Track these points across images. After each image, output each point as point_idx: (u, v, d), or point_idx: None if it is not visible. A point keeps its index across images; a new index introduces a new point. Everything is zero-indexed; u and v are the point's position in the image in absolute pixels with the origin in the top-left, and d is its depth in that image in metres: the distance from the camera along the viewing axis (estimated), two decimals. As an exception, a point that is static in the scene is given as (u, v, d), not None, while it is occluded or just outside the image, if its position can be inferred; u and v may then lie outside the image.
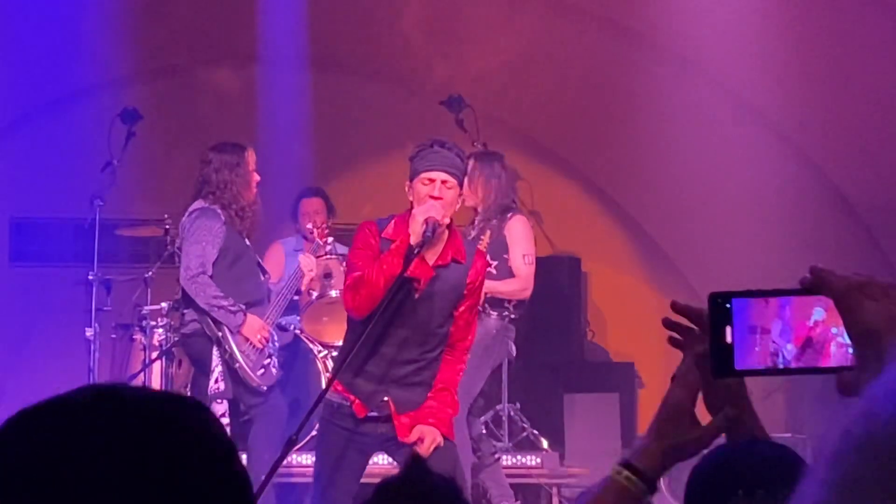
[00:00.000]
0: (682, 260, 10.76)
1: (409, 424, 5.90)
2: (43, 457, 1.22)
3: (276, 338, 8.04)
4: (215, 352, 7.74)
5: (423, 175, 5.81)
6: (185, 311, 7.84)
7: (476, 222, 8.39)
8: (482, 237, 8.23)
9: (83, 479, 1.21)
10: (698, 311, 2.14)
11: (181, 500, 1.23)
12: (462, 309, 5.94)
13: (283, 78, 10.32)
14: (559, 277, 10.25)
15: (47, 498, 1.21)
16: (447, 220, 5.83)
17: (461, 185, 5.94)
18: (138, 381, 8.96)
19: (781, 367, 2.09)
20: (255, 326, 7.75)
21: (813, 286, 2.03)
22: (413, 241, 5.72)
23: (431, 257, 5.83)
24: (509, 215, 8.42)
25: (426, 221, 5.72)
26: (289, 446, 5.84)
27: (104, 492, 1.21)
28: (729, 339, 2.05)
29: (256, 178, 7.93)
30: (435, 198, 5.77)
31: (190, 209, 7.80)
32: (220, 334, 7.68)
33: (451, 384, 5.99)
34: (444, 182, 5.81)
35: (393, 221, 5.91)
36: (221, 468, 1.29)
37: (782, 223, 9.73)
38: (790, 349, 2.09)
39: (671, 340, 2.09)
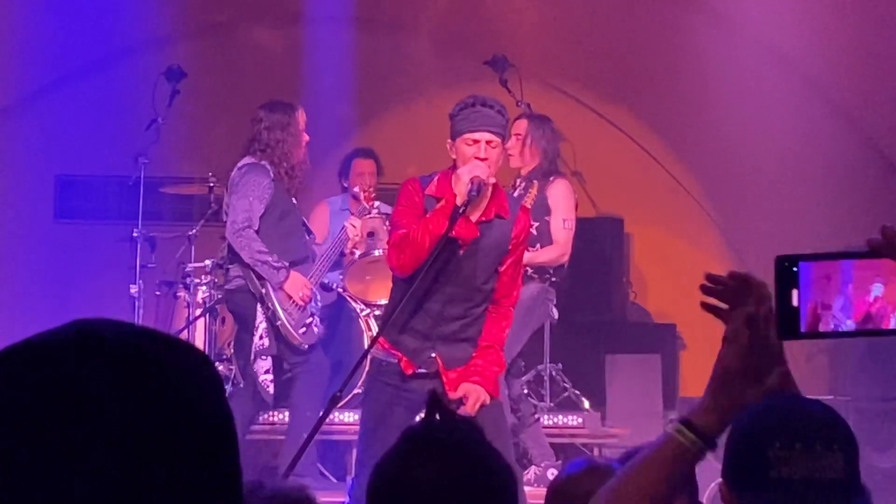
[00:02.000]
0: (726, 221, 10.72)
1: (457, 381, 5.91)
2: (16, 396, 1.23)
3: (318, 297, 8.07)
4: (259, 308, 7.78)
5: (467, 135, 5.78)
6: (230, 266, 7.88)
7: (517, 183, 8.38)
8: (529, 192, 8.24)
9: (55, 420, 1.21)
10: (741, 276, 2.14)
11: (150, 443, 1.23)
12: (507, 265, 5.93)
13: (328, 36, 10.31)
14: (602, 238, 10.24)
15: (21, 435, 1.22)
16: (492, 179, 5.82)
17: (504, 142, 5.93)
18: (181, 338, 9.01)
19: (843, 330, 2.09)
20: (298, 284, 7.78)
21: (882, 248, 2.02)
22: (458, 200, 5.71)
23: (475, 214, 5.82)
24: (552, 178, 8.42)
25: (471, 181, 5.70)
26: (333, 403, 5.86)
27: (75, 432, 1.21)
28: (795, 302, 2.05)
29: (306, 137, 7.96)
30: (480, 159, 5.76)
31: (239, 164, 7.84)
32: (263, 291, 7.72)
33: (497, 341, 5.99)
34: (488, 142, 5.78)
35: (436, 178, 5.89)
36: (196, 415, 1.27)
37: (827, 185, 9.68)
38: (849, 324, 2.09)
39: (704, 306, 2.11)
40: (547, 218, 8.31)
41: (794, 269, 2.06)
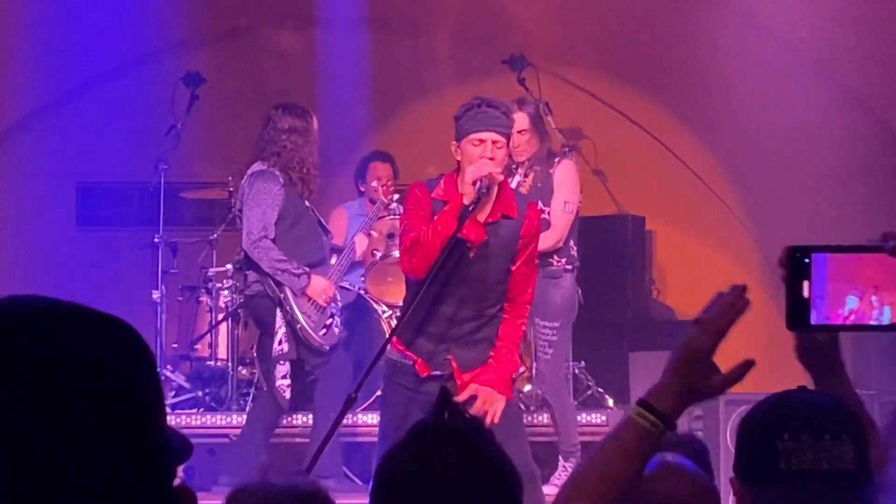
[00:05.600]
0: (747, 217, 10.69)
1: (471, 383, 5.92)
2: None
3: (338, 297, 8.07)
4: (278, 313, 7.77)
5: (473, 136, 5.82)
6: (248, 272, 7.88)
7: (515, 170, 8.09)
8: (524, 181, 8.07)
9: None
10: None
11: (48, 413, 1.24)
12: (519, 264, 5.94)
13: (344, 38, 10.31)
14: (624, 236, 10.21)
15: None
16: (500, 177, 5.83)
17: (509, 142, 5.94)
18: (204, 343, 9.04)
19: (855, 324, 2.08)
20: (320, 287, 7.77)
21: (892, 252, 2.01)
22: (466, 200, 5.73)
23: (482, 216, 5.83)
24: (556, 159, 8.21)
25: (480, 180, 5.72)
26: (348, 404, 5.87)
27: None
28: (806, 293, 2.03)
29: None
30: (487, 158, 5.77)
31: (249, 172, 7.81)
32: (281, 296, 7.71)
33: (513, 340, 5.99)
34: (494, 142, 5.82)
35: (442, 181, 5.93)
36: (112, 388, 1.28)
37: (848, 177, 9.64)
38: (857, 317, 2.09)
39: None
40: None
41: (807, 260, 2.05)
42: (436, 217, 5.76)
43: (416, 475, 2.37)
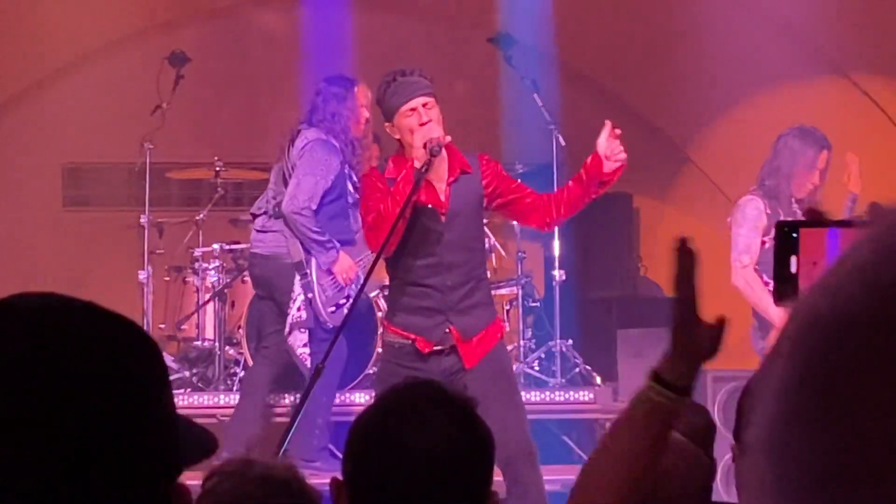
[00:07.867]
0: (735, 194, 10.70)
1: (476, 350, 5.95)
2: None
3: (360, 279, 8.01)
4: (297, 279, 7.67)
5: (403, 108, 5.90)
6: (268, 233, 7.80)
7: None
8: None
9: None
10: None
11: (48, 413, 1.25)
12: (521, 196, 6.05)
13: (330, 18, 10.29)
14: (611, 213, 10.22)
15: None
16: (448, 138, 5.89)
17: (436, 100, 6.00)
18: (191, 323, 9.04)
19: None
20: (346, 265, 7.70)
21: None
22: (417, 164, 5.80)
23: (439, 181, 5.91)
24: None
25: (425, 145, 5.79)
26: (316, 374, 5.88)
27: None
28: (794, 269, 2.04)
29: (366, 114, 7.79)
30: (423, 123, 5.86)
31: (309, 137, 7.65)
32: (305, 257, 7.61)
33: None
34: (424, 105, 5.90)
35: (390, 161, 6.03)
36: (116, 385, 1.29)
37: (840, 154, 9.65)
38: None
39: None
40: None
41: (794, 235, 2.06)
42: (392, 188, 5.84)
43: (388, 431, 2.41)
